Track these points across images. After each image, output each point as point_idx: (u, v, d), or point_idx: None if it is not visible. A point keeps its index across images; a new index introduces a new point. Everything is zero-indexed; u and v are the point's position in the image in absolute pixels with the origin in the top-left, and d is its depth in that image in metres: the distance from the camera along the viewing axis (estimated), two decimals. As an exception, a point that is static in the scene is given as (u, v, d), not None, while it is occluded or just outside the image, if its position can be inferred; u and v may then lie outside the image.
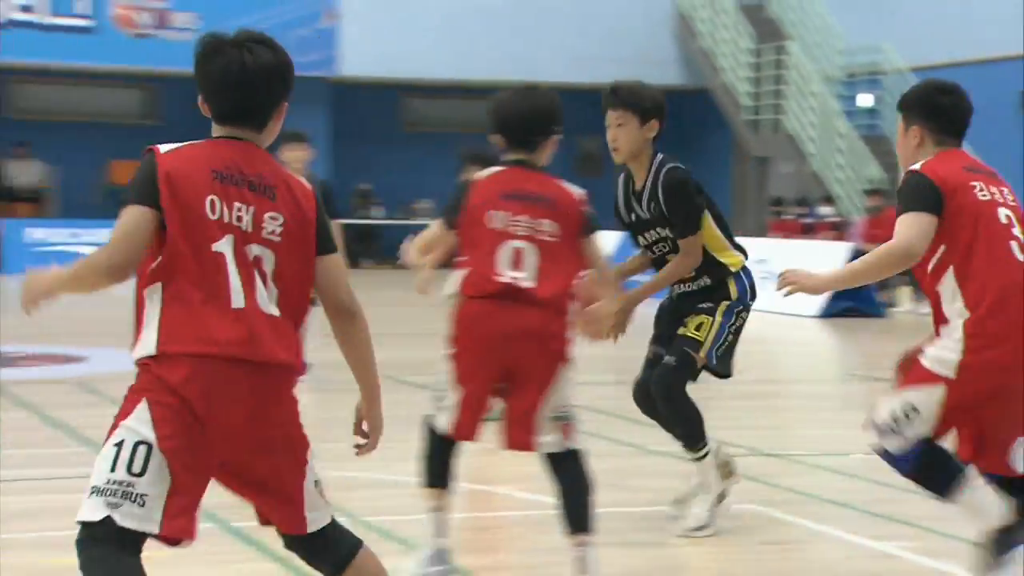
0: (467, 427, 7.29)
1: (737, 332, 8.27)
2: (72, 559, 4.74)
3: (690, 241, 8.02)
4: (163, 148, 5.33)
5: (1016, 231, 6.82)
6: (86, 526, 5.12)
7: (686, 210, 7.99)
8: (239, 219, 5.31)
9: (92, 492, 5.13)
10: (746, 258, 8.33)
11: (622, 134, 7.91)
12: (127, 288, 5.17)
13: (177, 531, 5.17)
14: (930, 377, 6.78)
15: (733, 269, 8.21)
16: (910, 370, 6.97)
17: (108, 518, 5.07)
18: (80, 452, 11.14)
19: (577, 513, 7.05)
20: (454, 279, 7.27)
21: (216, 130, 5.52)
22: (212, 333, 5.21)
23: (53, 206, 36.65)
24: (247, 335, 5.25)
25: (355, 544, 5.54)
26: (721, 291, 8.20)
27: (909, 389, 6.88)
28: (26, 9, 33.52)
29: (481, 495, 8.69)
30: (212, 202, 5.27)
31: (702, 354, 8.05)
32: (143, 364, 5.24)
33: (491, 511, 9.13)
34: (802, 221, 31.04)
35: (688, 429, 8.16)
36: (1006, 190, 6.94)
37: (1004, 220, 6.80)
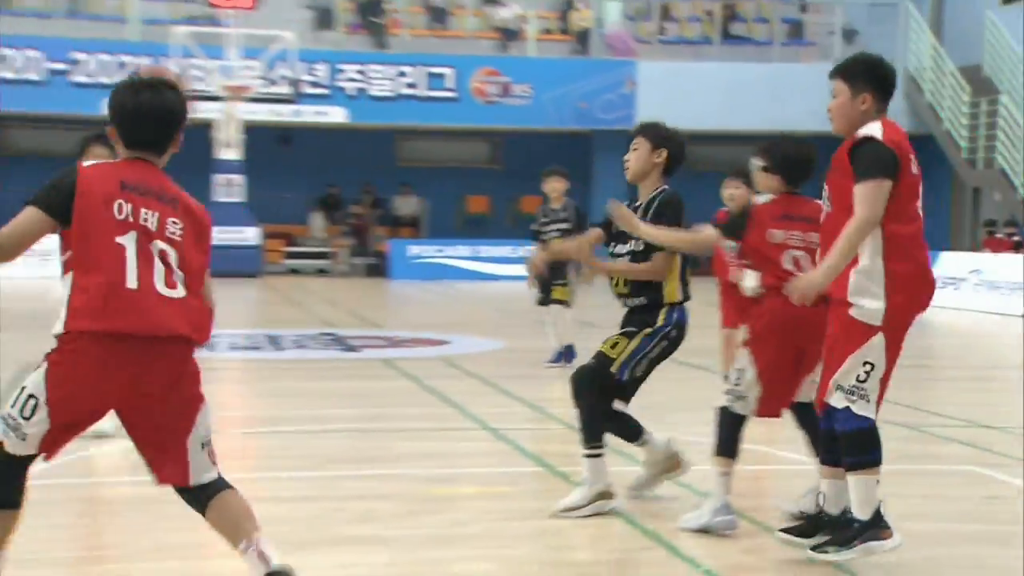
0: (772, 406, 6.86)
1: (657, 357, 7.32)
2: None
3: (659, 256, 7.30)
4: (85, 164, 5.13)
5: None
6: None
7: (668, 223, 7.30)
8: (145, 220, 5.04)
9: None
10: (686, 300, 7.46)
11: (634, 156, 7.48)
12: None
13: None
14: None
15: (667, 300, 7.35)
16: None
17: None
18: (445, 412, 11.38)
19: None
20: (751, 276, 7.01)
21: (125, 153, 5.22)
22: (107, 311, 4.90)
23: (425, 229, 37.10)
24: (137, 311, 4.93)
25: (223, 486, 5.27)
26: (651, 316, 7.34)
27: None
28: (411, 86, 34.06)
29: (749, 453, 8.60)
30: (119, 206, 5.00)
31: (613, 369, 7.23)
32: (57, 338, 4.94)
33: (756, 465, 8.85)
34: (1012, 239, 30.08)
35: (587, 425, 7.27)
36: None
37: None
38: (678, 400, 11.28)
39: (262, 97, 32.76)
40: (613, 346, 7.28)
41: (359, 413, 11.39)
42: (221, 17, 32.85)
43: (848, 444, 5.83)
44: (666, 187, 7.48)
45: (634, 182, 7.54)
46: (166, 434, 5.06)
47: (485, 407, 11.48)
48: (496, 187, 36.49)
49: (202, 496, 5.22)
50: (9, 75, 32.70)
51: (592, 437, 7.22)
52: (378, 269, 34.93)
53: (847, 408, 5.78)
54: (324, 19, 35.92)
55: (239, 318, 21.33)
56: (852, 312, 5.81)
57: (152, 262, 5.01)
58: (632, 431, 7.57)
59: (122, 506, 7.72)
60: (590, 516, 7.14)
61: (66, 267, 4.98)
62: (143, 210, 5.05)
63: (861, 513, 5.81)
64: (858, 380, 5.78)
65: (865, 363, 5.78)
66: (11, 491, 4.91)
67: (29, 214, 4.90)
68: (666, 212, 7.35)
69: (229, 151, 32.56)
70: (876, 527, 5.80)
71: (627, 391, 7.47)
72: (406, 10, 36.81)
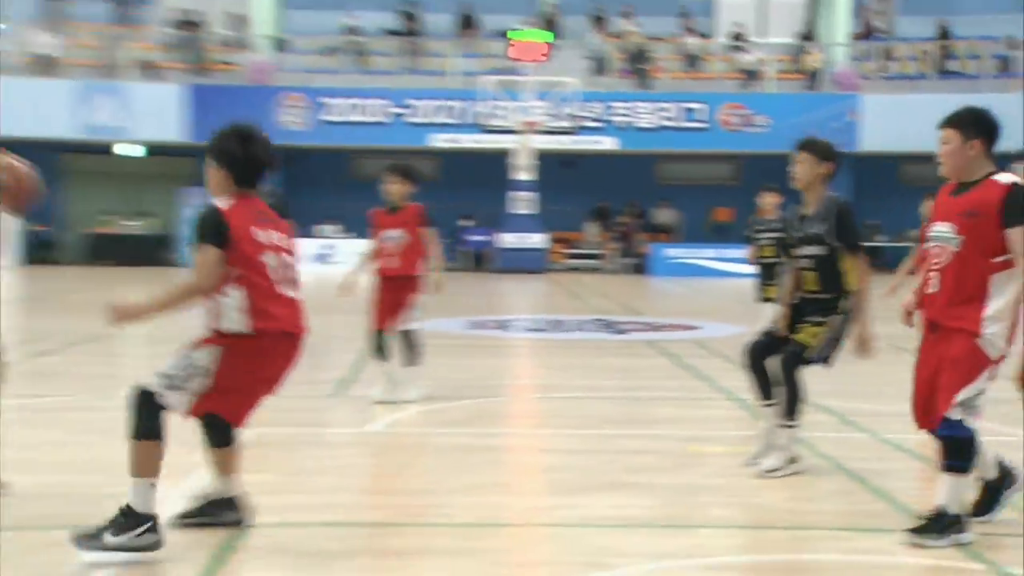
0: None
1: (842, 339, 6.92)
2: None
3: (857, 257, 6.93)
4: (222, 205, 5.30)
5: None
6: None
7: (852, 231, 6.93)
8: (274, 240, 5.35)
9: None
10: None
11: (800, 168, 7.01)
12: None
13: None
14: None
15: (848, 288, 6.90)
16: None
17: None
18: (697, 385, 11.30)
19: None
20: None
21: (233, 190, 5.39)
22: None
23: (679, 235, 36.89)
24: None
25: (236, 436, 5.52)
26: (834, 304, 6.92)
27: None
28: (669, 119, 34.10)
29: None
30: (258, 232, 5.30)
31: (811, 354, 6.83)
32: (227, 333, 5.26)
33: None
34: None
35: (792, 405, 6.86)
36: None
37: None
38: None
39: (550, 130, 33.28)
40: (813, 336, 6.91)
41: (626, 384, 11.39)
42: (520, 68, 33.35)
43: (954, 450, 5.46)
44: (832, 194, 7.16)
45: (802, 189, 7.13)
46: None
47: (730, 381, 11.33)
48: (738, 200, 35.93)
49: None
50: (363, 118, 34.19)
51: (794, 414, 6.93)
52: (640, 268, 34.93)
53: (961, 420, 5.41)
54: (600, 67, 36.20)
55: (530, 306, 21.57)
56: (980, 342, 5.43)
57: (286, 272, 5.38)
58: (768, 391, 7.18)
59: (435, 453, 7.88)
60: (786, 476, 6.94)
61: (227, 281, 5.19)
62: (271, 232, 5.36)
63: (952, 508, 5.48)
64: (974, 398, 5.44)
65: (981, 385, 5.45)
66: (160, 427, 5.14)
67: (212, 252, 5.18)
68: (848, 222, 7.00)
69: (523, 173, 33.27)
70: (962, 522, 5.50)
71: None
72: (666, 57, 36.76)
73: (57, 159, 32.52)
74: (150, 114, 32.17)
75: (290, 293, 5.40)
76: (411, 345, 9.62)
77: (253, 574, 5.10)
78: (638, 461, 7.53)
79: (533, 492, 6.88)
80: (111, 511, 5.07)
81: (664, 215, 37.33)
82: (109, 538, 5.03)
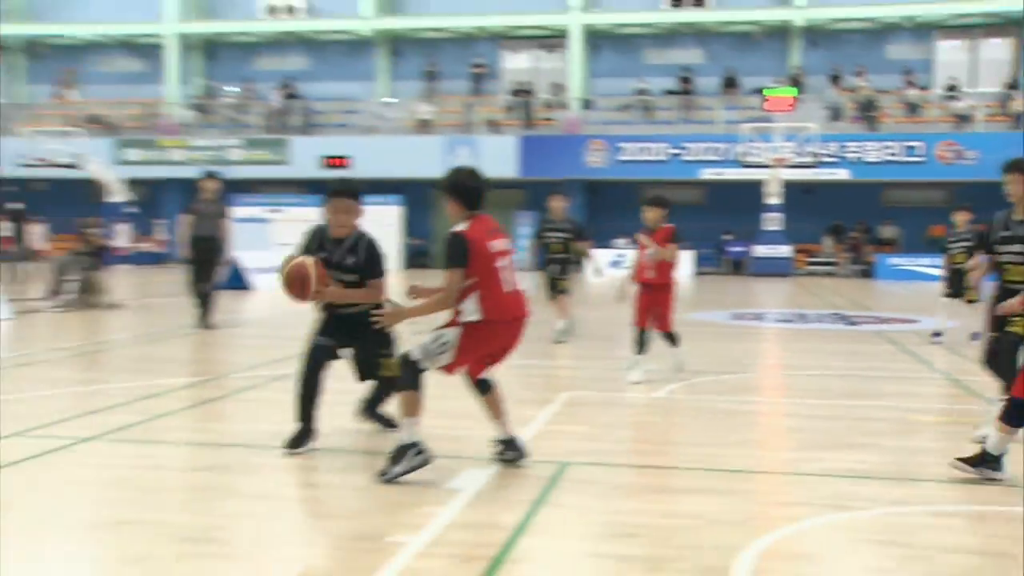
0: None
1: None
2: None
3: None
4: (462, 227, 5.33)
5: None
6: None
7: None
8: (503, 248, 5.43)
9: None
10: None
11: (1012, 188, 6.32)
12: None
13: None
14: None
15: None
16: None
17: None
18: (917, 367, 10.71)
19: None
20: None
21: (466, 213, 5.39)
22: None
23: (900, 247, 35.07)
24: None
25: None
26: None
27: None
28: (893, 155, 32.75)
29: None
30: (493, 244, 5.37)
31: None
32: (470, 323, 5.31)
33: None
34: None
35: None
36: None
37: None
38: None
39: (794, 164, 32.54)
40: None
41: (858, 364, 10.91)
42: (772, 116, 32.69)
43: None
44: None
45: (1015, 202, 6.46)
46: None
47: (946, 364, 10.72)
48: (950, 219, 34.14)
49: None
50: (649, 157, 34.12)
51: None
52: (868, 273, 33.59)
53: None
54: (835, 114, 35.00)
55: (778, 302, 21.01)
56: None
57: (511, 271, 5.45)
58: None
59: (705, 415, 7.79)
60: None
61: (469, 291, 5.29)
62: (500, 241, 5.42)
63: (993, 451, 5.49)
64: None
65: None
66: (419, 382, 5.28)
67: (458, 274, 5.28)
68: None
69: (773, 198, 32.60)
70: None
71: None
72: (891, 106, 35.01)
73: (430, 191, 34.09)
74: (494, 158, 33.17)
75: (514, 287, 5.45)
76: (672, 341, 9.51)
77: (573, 497, 5.20)
78: (869, 426, 7.22)
79: (784, 447, 6.71)
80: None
81: (888, 231, 35.64)
82: (395, 468, 5.27)
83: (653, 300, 9.32)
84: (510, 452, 5.73)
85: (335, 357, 6.15)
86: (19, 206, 19.30)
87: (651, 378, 9.13)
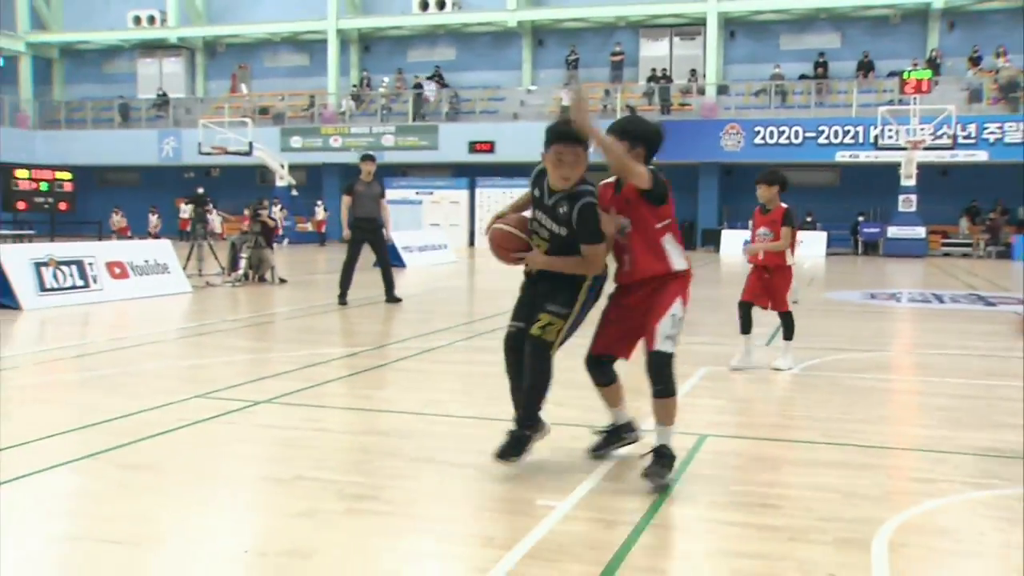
0: None
1: None
2: None
3: None
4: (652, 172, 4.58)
5: None
6: None
7: None
8: None
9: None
10: None
11: None
12: None
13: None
14: None
15: None
16: None
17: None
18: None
19: None
20: None
21: (647, 161, 4.60)
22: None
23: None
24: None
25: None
26: None
27: None
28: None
29: None
30: None
31: None
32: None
33: None
34: None
35: None
36: None
37: None
38: None
39: (931, 146, 31.13)
40: None
41: (995, 344, 10.36)
42: (908, 99, 31.28)
43: None
44: None
45: None
46: None
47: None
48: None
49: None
50: (783, 141, 33.30)
51: None
52: (1005, 254, 31.90)
53: None
54: (975, 96, 33.26)
55: (913, 283, 20.19)
56: None
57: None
58: None
59: (843, 391, 7.54)
60: None
61: (661, 233, 4.70)
62: None
63: None
64: None
65: None
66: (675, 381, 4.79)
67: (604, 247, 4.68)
68: None
69: (908, 180, 31.33)
70: None
71: None
72: (1032, 86, 33.14)
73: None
74: (631, 142, 33.07)
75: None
76: (787, 324, 8.60)
77: (713, 468, 5.11)
78: (1008, 406, 6.85)
79: (923, 424, 6.44)
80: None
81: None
82: (662, 473, 4.73)
83: (766, 282, 8.49)
84: (629, 434, 5.32)
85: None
86: (199, 191, 20.27)
87: (796, 355, 8.89)
